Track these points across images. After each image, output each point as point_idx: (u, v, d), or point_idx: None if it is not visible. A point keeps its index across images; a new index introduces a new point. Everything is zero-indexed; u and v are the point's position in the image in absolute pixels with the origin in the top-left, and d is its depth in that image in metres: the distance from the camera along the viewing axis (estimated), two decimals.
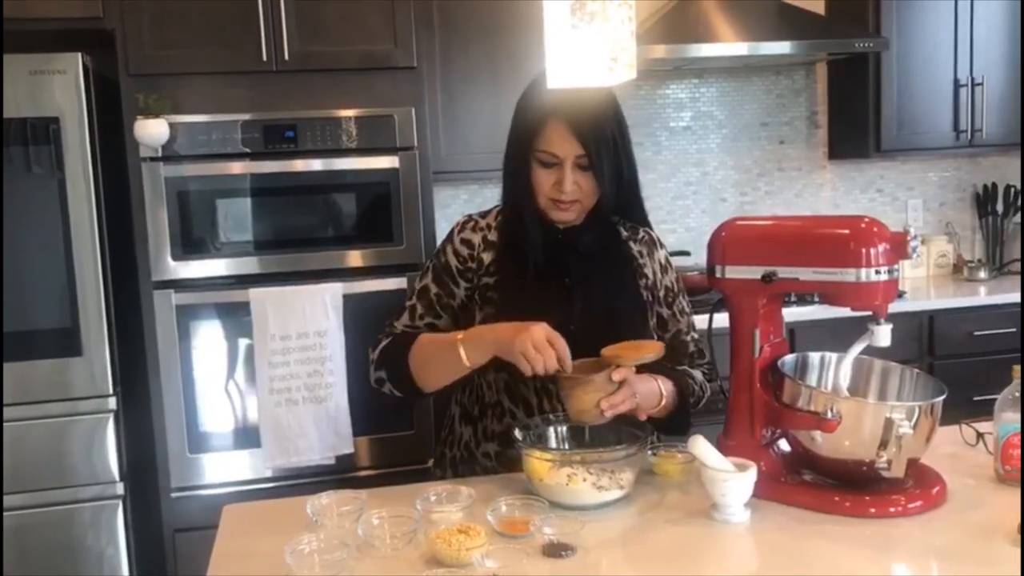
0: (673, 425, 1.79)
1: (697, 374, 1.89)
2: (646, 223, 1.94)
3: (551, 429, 1.71)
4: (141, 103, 2.77)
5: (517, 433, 1.65)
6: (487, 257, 1.83)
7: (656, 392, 1.70)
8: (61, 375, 2.79)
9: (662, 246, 1.95)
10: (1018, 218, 4.00)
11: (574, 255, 1.82)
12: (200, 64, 2.87)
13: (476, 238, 1.85)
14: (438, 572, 1.34)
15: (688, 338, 1.92)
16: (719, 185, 3.93)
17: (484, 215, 1.90)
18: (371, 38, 2.97)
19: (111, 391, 2.83)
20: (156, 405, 2.93)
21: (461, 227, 1.88)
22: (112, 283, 2.87)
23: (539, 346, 1.57)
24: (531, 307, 1.69)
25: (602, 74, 1.27)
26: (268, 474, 2.97)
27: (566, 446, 1.70)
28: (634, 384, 1.62)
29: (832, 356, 1.71)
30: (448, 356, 1.69)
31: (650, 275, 1.88)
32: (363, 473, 3.02)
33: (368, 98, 2.98)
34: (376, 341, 1.87)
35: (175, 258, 2.89)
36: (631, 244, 1.90)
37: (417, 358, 1.77)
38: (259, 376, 2.91)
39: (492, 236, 1.85)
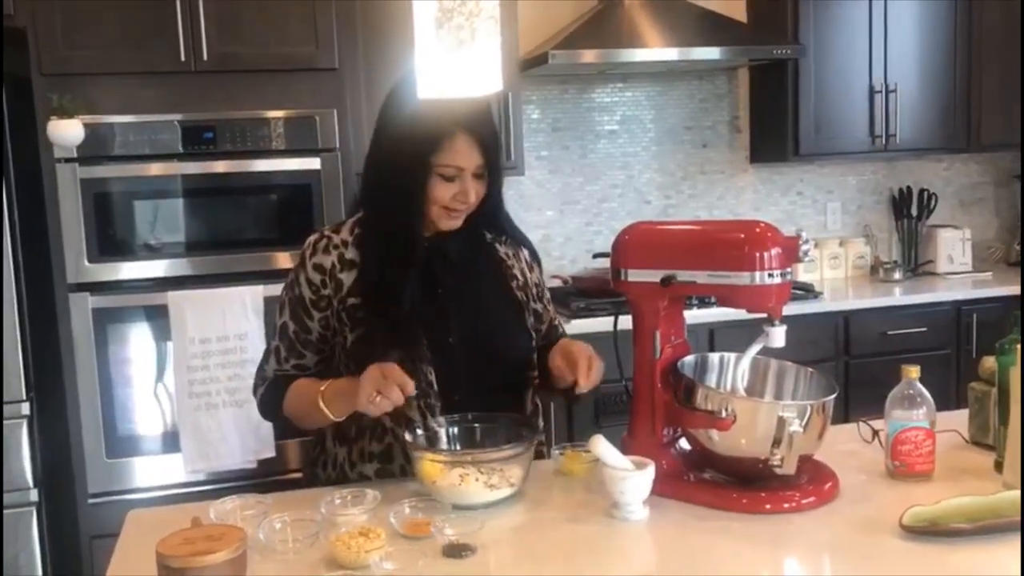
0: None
1: None
2: (511, 229, 1.92)
3: (442, 431, 1.73)
4: (55, 103, 2.72)
5: (407, 436, 1.67)
6: (346, 277, 1.75)
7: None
8: None
9: (525, 244, 1.96)
10: (931, 221, 4.13)
11: (443, 265, 1.81)
12: (116, 64, 2.84)
13: (329, 260, 1.76)
14: (337, 574, 1.35)
15: (557, 322, 2.00)
16: (644, 188, 3.99)
17: (337, 229, 1.81)
18: (292, 40, 2.96)
19: (24, 396, 2.77)
20: (72, 410, 2.89)
21: (313, 249, 1.79)
22: (26, 286, 2.82)
23: (383, 390, 1.56)
24: (405, 324, 1.66)
25: (471, 87, 1.30)
26: (189, 479, 2.94)
27: (457, 447, 1.72)
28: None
29: (731, 356, 1.75)
30: (316, 413, 1.69)
31: (519, 275, 1.89)
32: (286, 477, 3.00)
33: (289, 99, 2.97)
34: (254, 386, 1.87)
35: (92, 260, 2.85)
36: (497, 246, 1.89)
37: (292, 413, 1.78)
38: (178, 380, 2.88)
39: (350, 254, 1.77)
